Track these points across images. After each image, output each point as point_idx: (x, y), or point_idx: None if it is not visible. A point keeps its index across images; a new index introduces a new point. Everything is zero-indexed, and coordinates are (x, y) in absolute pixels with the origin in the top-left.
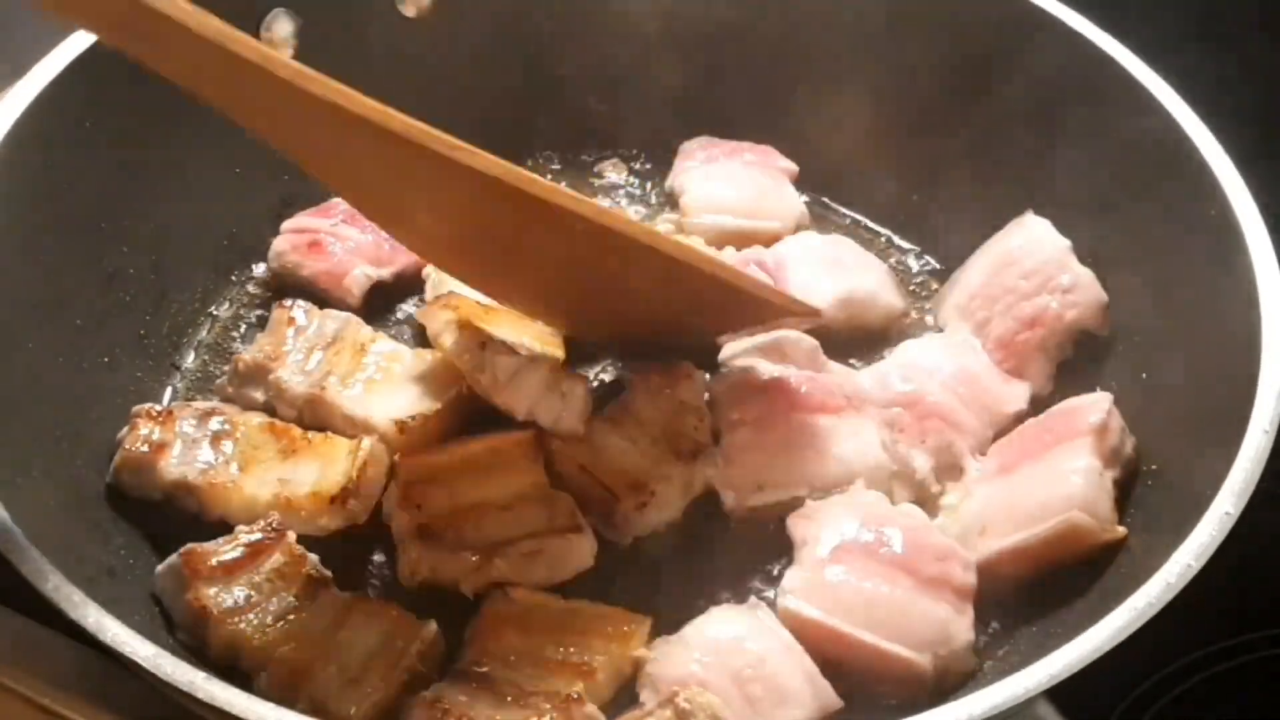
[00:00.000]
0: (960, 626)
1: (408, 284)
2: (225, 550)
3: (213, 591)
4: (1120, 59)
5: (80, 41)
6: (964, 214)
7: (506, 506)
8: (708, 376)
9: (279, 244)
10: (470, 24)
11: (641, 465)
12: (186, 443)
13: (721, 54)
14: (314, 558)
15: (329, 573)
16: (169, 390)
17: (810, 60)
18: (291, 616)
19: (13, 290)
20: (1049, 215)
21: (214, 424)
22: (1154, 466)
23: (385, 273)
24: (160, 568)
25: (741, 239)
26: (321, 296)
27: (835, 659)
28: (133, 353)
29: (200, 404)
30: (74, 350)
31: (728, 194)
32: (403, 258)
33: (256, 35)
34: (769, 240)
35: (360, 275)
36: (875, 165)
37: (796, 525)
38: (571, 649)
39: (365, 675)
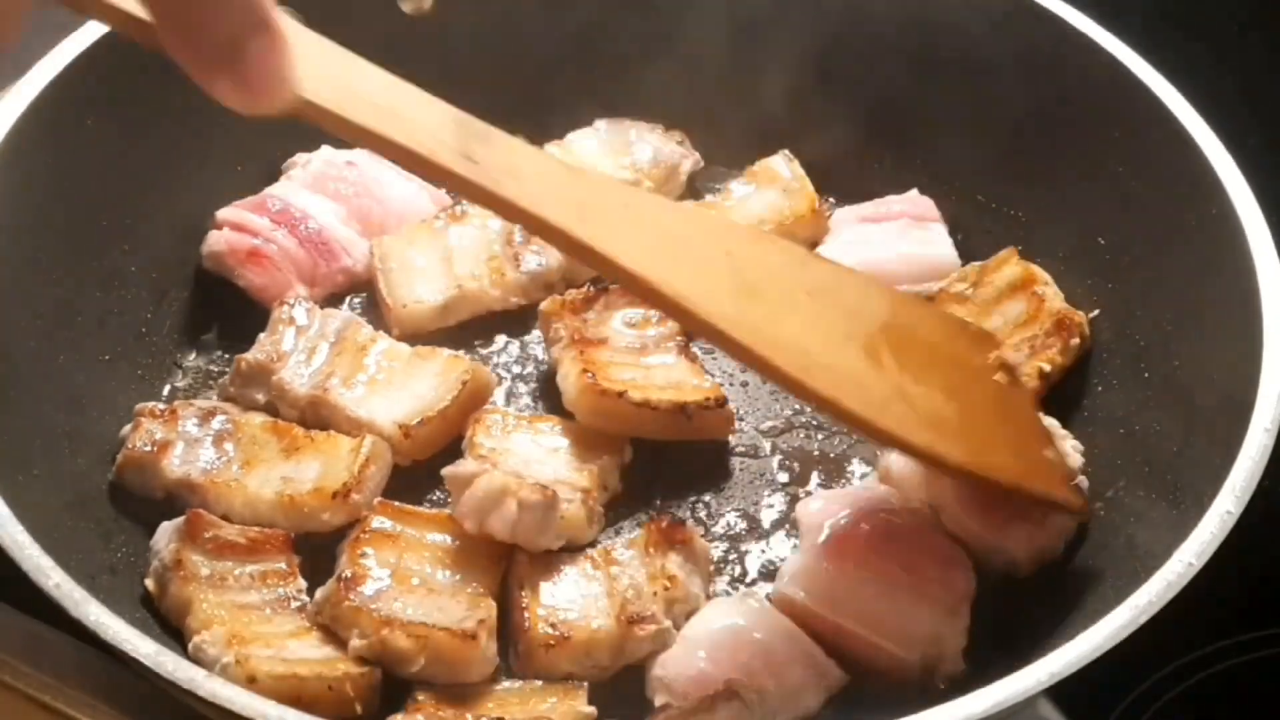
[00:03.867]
0: (954, 630)
1: (334, 302)
2: (228, 532)
3: (196, 557)
4: (1122, 57)
5: (81, 41)
6: (963, 214)
7: (434, 592)
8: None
9: (216, 242)
10: (472, 22)
11: (578, 610)
12: (189, 442)
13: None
14: (303, 584)
15: (308, 599)
16: (170, 388)
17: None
18: (254, 614)
19: (13, 289)
20: (1048, 214)
21: (216, 423)
22: (1154, 465)
23: (318, 292)
24: (165, 524)
25: None
26: (252, 304)
27: (827, 646)
28: (133, 351)
29: (203, 403)
30: (74, 349)
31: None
32: (339, 276)
33: None
34: None
35: (294, 298)
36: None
37: (804, 512)
38: (519, 710)
39: (294, 667)
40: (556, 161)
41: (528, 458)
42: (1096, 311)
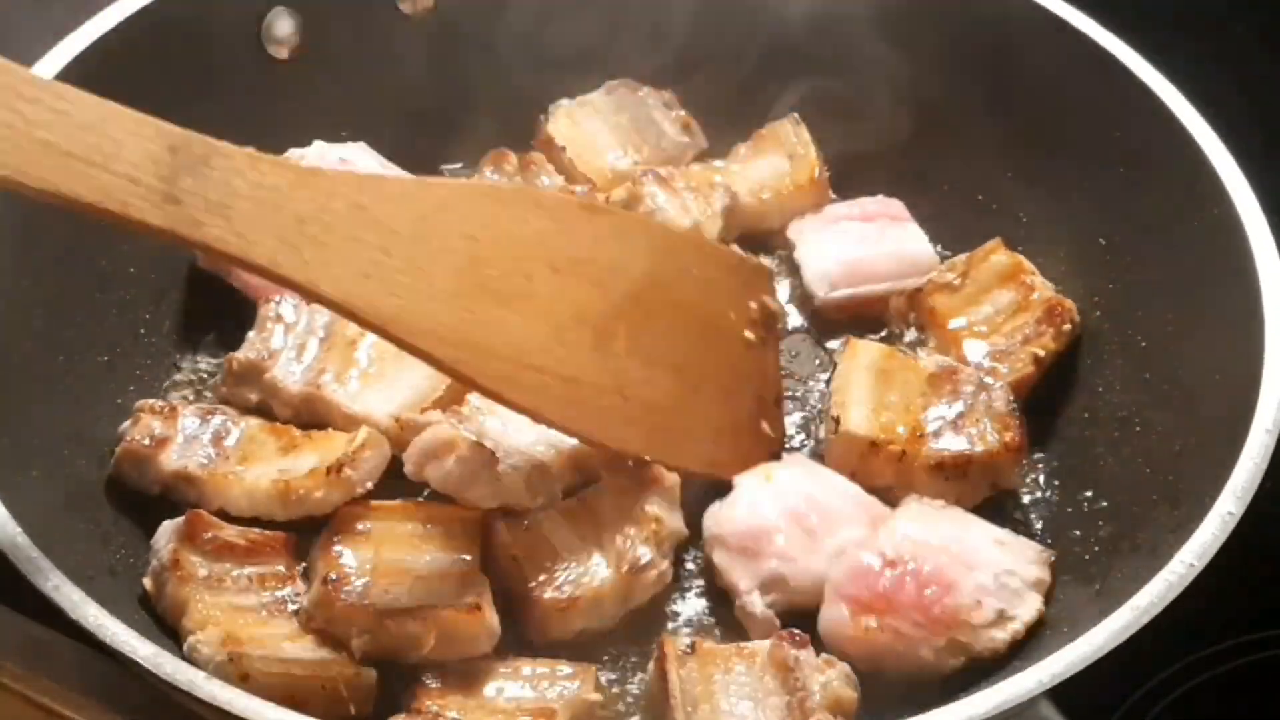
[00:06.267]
0: None
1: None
2: (228, 534)
3: (195, 558)
4: (1123, 58)
5: (80, 41)
6: (965, 213)
7: (422, 578)
8: None
9: None
10: (474, 22)
11: (578, 569)
12: (188, 438)
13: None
14: (302, 587)
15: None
16: (168, 390)
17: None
18: (250, 615)
19: (12, 289)
20: (1049, 214)
21: (216, 422)
22: (1155, 466)
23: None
24: (166, 524)
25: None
26: (251, 306)
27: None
28: (133, 352)
29: (202, 404)
30: (74, 350)
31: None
32: None
33: (257, 34)
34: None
35: (286, 301)
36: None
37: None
38: (524, 697)
39: (289, 666)
40: (285, 171)
41: (509, 421)
42: (1097, 313)
